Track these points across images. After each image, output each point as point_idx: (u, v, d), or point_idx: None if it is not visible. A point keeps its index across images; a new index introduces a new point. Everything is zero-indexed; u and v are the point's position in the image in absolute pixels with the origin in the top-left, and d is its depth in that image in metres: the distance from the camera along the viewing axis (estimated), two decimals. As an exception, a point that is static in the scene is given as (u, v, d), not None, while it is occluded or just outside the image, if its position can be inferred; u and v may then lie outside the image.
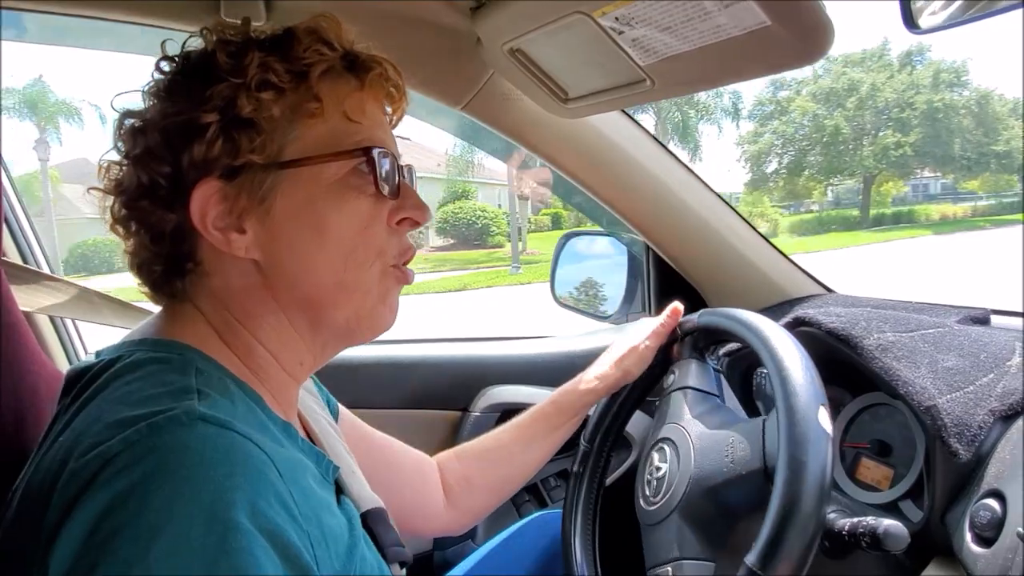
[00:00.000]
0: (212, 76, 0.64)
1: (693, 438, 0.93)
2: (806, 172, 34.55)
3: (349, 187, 0.67)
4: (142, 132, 0.65)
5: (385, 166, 0.68)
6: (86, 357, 0.68)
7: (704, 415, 0.98)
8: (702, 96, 32.78)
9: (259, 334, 0.68)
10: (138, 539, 0.46)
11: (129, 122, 0.67)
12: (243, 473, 0.51)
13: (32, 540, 0.51)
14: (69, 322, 1.37)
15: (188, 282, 0.67)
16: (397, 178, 0.70)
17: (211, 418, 0.53)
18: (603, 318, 1.71)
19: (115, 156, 0.68)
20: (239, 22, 0.68)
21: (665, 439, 0.96)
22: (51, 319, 1.30)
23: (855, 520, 0.83)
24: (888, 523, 0.79)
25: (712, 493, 0.89)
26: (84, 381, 0.62)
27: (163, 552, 0.45)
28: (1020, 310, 1.22)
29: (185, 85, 0.65)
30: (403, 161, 0.73)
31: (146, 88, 0.67)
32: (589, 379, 1.08)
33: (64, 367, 1.29)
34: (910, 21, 0.70)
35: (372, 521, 0.74)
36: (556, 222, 32.31)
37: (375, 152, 0.67)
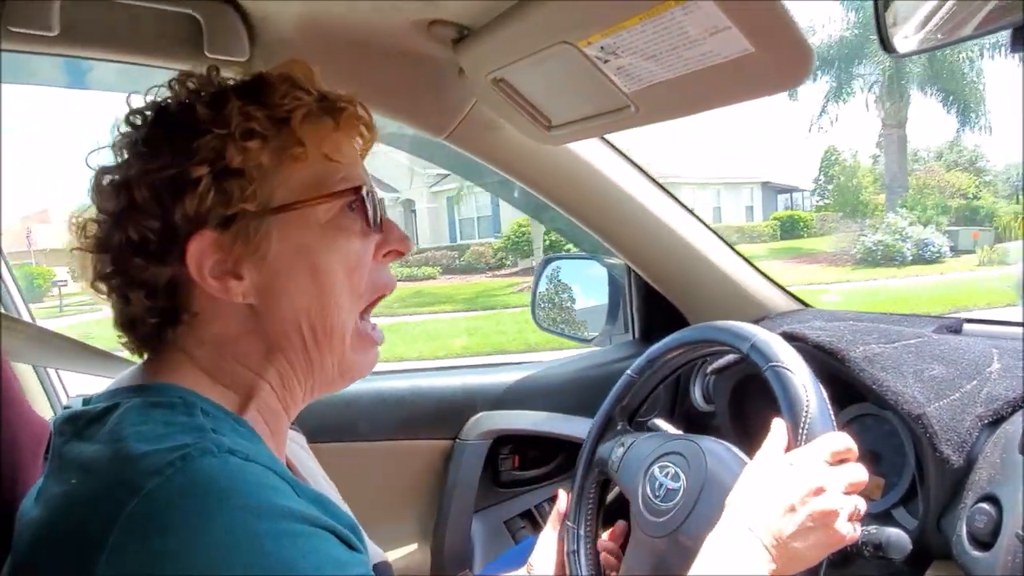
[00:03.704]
0: (195, 127, 0.64)
1: (704, 450, 0.93)
2: None
3: (339, 228, 0.69)
4: (126, 188, 0.64)
5: (371, 203, 0.71)
6: (70, 401, 0.66)
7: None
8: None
9: (263, 373, 0.68)
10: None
11: (108, 178, 0.66)
12: (278, 486, 0.56)
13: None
14: (51, 369, 1.33)
15: (180, 331, 0.67)
16: (380, 213, 0.72)
17: (238, 452, 0.56)
18: (586, 341, 1.72)
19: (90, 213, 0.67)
20: (204, 71, 0.69)
21: (673, 453, 0.96)
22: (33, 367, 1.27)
23: None
24: (891, 531, 0.80)
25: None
26: (79, 426, 0.62)
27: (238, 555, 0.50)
28: (989, 318, 1.27)
29: (166, 138, 0.65)
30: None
31: (118, 142, 0.67)
32: None
33: (47, 414, 1.25)
34: (887, 45, 0.73)
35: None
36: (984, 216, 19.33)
37: (364, 191, 0.70)
